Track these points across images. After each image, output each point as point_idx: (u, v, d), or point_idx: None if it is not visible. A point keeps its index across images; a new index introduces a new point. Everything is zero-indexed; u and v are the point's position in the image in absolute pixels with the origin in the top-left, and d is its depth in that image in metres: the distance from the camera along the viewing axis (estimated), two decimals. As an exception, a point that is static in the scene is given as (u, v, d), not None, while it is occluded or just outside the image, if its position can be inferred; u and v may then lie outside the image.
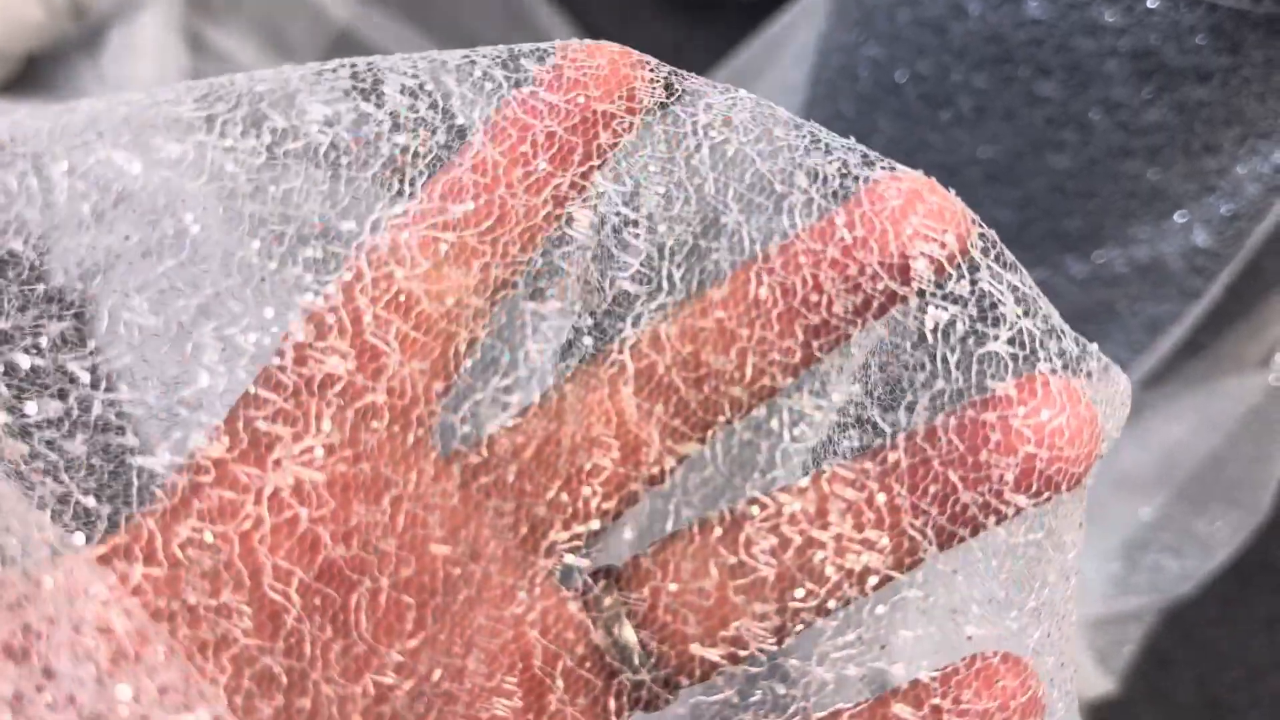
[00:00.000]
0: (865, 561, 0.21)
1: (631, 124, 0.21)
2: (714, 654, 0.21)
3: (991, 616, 0.22)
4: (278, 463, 0.20)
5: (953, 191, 0.20)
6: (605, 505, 0.22)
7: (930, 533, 0.21)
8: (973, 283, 0.20)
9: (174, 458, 0.20)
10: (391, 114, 0.21)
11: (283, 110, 0.20)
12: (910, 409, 0.21)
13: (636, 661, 0.22)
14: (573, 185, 0.21)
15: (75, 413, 0.20)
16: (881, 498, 0.21)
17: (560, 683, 0.22)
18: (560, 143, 0.20)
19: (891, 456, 0.21)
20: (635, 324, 0.22)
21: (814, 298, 0.21)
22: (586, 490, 0.22)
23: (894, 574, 0.21)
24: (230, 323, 0.20)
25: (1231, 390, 0.46)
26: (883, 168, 0.20)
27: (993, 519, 0.20)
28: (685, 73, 0.21)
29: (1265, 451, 0.48)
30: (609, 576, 0.22)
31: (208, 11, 0.62)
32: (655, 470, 0.22)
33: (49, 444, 0.20)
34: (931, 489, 0.20)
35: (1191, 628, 0.59)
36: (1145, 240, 0.37)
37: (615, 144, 0.21)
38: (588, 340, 0.22)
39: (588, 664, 0.22)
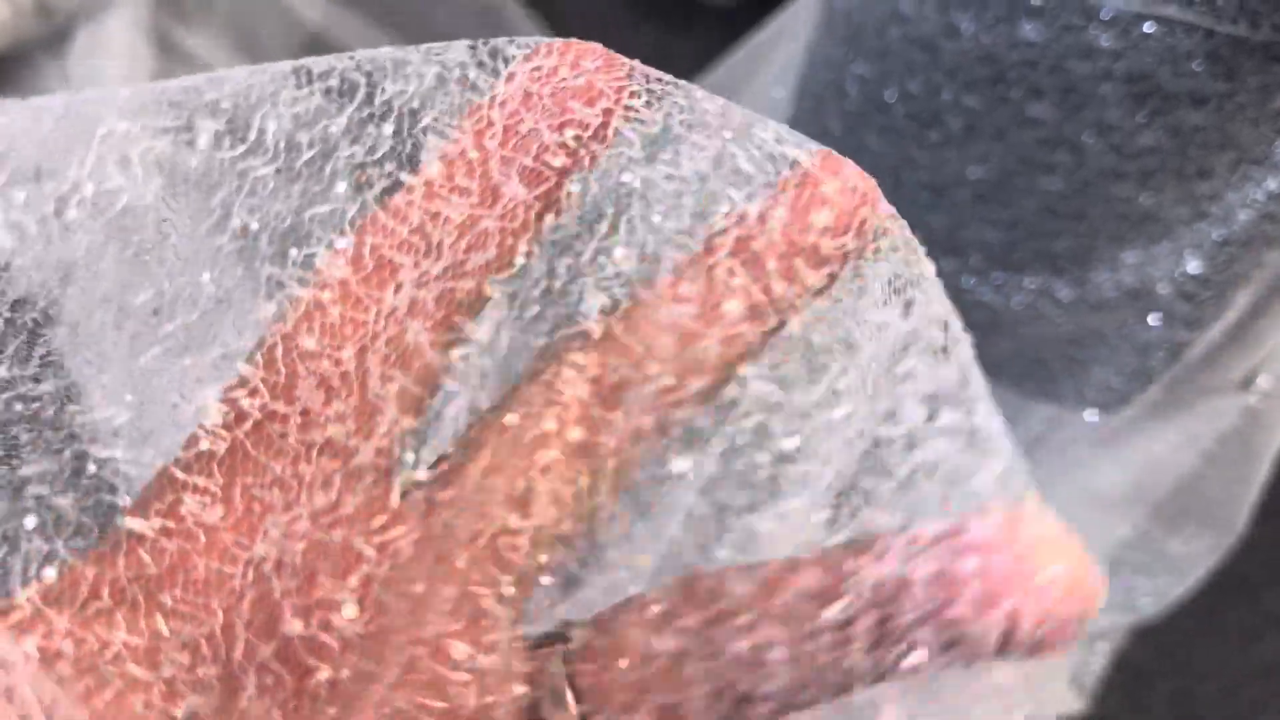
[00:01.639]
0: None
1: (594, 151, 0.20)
2: None
3: None
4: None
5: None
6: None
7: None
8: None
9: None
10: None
11: (316, 173, 0.20)
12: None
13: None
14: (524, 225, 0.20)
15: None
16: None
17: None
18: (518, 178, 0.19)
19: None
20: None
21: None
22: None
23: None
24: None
25: (1210, 410, 0.46)
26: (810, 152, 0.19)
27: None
28: (665, 82, 0.20)
29: (1242, 473, 0.48)
30: (560, 639, 0.21)
31: (177, 12, 0.61)
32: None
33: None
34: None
35: (1167, 641, 0.59)
36: (1135, 265, 0.37)
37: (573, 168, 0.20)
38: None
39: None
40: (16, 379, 0.19)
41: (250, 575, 0.19)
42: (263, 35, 0.64)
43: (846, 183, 0.19)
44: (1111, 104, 0.33)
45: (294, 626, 0.19)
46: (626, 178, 0.20)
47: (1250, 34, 0.30)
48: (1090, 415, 0.43)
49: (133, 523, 0.19)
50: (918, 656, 0.18)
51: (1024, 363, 0.43)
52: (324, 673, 0.19)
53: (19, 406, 0.19)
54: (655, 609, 0.19)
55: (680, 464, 0.20)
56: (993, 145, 0.37)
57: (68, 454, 0.19)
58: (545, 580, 0.20)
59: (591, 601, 0.20)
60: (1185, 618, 0.54)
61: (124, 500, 0.19)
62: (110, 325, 0.19)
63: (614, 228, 0.20)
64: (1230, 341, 0.40)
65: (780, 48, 0.47)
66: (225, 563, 0.19)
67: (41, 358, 0.19)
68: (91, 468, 0.19)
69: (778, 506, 0.20)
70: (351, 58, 0.20)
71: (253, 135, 0.19)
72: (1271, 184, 0.34)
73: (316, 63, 0.20)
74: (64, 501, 0.19)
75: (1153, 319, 0.38)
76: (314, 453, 0.19)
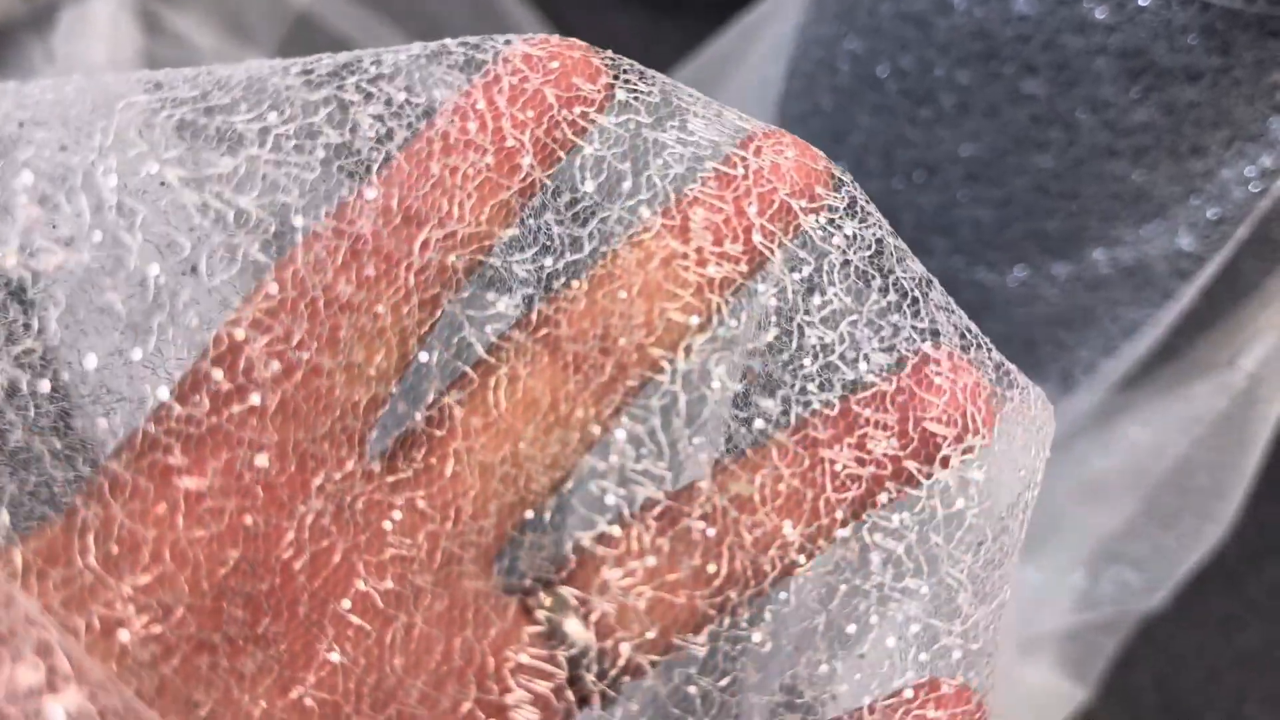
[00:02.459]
0: (765, 533, 0.21)
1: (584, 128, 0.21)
2: (624, 644, 0.21)
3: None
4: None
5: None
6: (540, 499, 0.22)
7: (819, 500, 0.21)
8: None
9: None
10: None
11: (336, 125, 0.20)
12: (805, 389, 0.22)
13: (583, 661, 0.21)
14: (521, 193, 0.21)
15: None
16: (768, 475, 0.21)
17: (514, 694, 0.21)
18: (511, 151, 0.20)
19: (776, 435, 0.21)
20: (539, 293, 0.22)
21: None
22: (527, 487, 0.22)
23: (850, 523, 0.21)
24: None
25: (1200, 395, 0.46)
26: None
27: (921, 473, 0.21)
28: (643, 76, 0.21)
29: (1232, 460, 0.48)
30: (506, 571, 0.22)
31: (165, -9, 0.60)
32: (557, 451, 0.21)
33: None
34: (809, 459, 0.21)
35: (1150, 628, 0.59)
36: (1129, 242, 0.37)
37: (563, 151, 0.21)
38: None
39: (532, 666, 0.21)
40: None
41: (307, 532, 0.20)
42: (251, 16, 0.63)
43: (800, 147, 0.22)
44: (1105, 80, 0.33)
45: (371, 581, 0.20)
46: (640, 140, 0.21)
47: (1246, 6, 0.30)
48: (1080, 374, 0.43)
49: (187, 481, 0.19)
50: None
51: (1012, 345, 0.43)
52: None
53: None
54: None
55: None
56: (985, 122, 0.36)
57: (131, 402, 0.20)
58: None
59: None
60: (1169, 605, 0.54)
61: (177, 459, 0.19)
62: (148, 284, 0.20)
63: (636, 187, 0.21)
64: (1216, 320, 0.40)
65: (771, 26, 0.46)
66: (284, 516, 0.20)
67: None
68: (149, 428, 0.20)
69: None
70: (349, 53, 0.21)
71: (268, 99, 0.20)
72: (1266, 160, 0.34)
73: (318, 57, 0.21)
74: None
75: (1146, 296, 0.38)
76: (360, 409, 0.20)
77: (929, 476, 0.21)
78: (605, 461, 0.22)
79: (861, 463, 0.21)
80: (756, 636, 0.22)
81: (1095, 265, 0.38)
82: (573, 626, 0.21)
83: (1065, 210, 0.37)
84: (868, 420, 0.21)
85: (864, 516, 0.22)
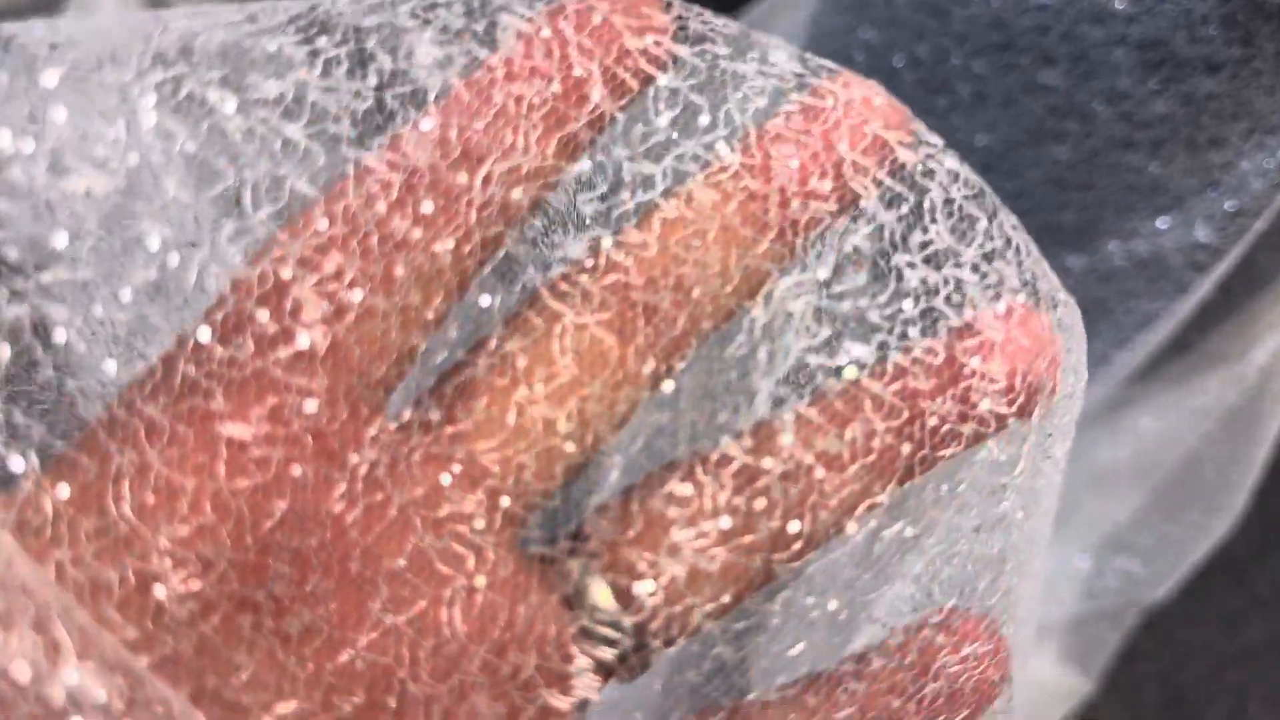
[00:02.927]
0: (853, 492, 0.20)
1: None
2: (695, 609, 0.20)
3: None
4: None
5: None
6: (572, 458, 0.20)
7: (915, 457, 0.20)
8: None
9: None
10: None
11: (390, 50, 0.19)
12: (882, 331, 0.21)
13: (650, 626, 0.20)
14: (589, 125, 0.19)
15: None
16: (859, 428, 0.20)
17: (577, 661, 0.20)
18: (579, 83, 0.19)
19: (870, 386, 0.20)
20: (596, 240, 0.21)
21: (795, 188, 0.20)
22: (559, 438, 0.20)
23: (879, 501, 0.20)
24: None
25: (1210, 387, 0.46)
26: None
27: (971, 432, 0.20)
28: (714, 13, 0.20)
29: (1241, 453, 0.48)
30: (572, 534, 0.21)
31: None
32: (624, 408, 0.20)
33: None
34: (909, 411, 0.20)
35: (1153, 622, 0.59)
36: (1145, 235, 0.36)
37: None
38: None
39: (597, 633, 0.20)
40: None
41: (360, 484, 0.19)
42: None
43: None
44: (1124, 71, 0.33)
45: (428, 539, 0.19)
46: (718, 71, 0.20)
47: (1268, -3, 0.30)
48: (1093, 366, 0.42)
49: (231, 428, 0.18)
50: None
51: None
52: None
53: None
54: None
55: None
56: (1001, 113, 0.36)
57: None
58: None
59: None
60: (1172, 599, 0.54)
61: (219, 404, 0.18)
62: (186, 204, 0.19)
63: (714, 122, 0.20)
64: (1230, 313, 0.40)
65: (783, 17, 0.46)
66: (335, 467, 0.19)
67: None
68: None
69: None
70: None
71: (318, 22, 0.19)
72: (1284, 152, 0.34)
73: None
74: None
75: (1161, 289, 0.37)
76: (416, 354, 0.19)
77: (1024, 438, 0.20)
78: (676, 417, 0.21)
79: (964, 418, 0.20)
80: (831, 604, 0.21)
81: (1110, 257, 0.37)
82: (642, 589, 0.20)
83: (1081, 202, 0.37)
84: (974, 372, 0.20)
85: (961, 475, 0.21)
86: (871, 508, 0.20)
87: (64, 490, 0.17)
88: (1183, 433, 0.48)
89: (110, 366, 0.18)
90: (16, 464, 0.17)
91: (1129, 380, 0.44)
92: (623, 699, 0.21)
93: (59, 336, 0.18)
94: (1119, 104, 0.34)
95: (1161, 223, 0.36)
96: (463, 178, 0.19)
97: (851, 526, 0.20)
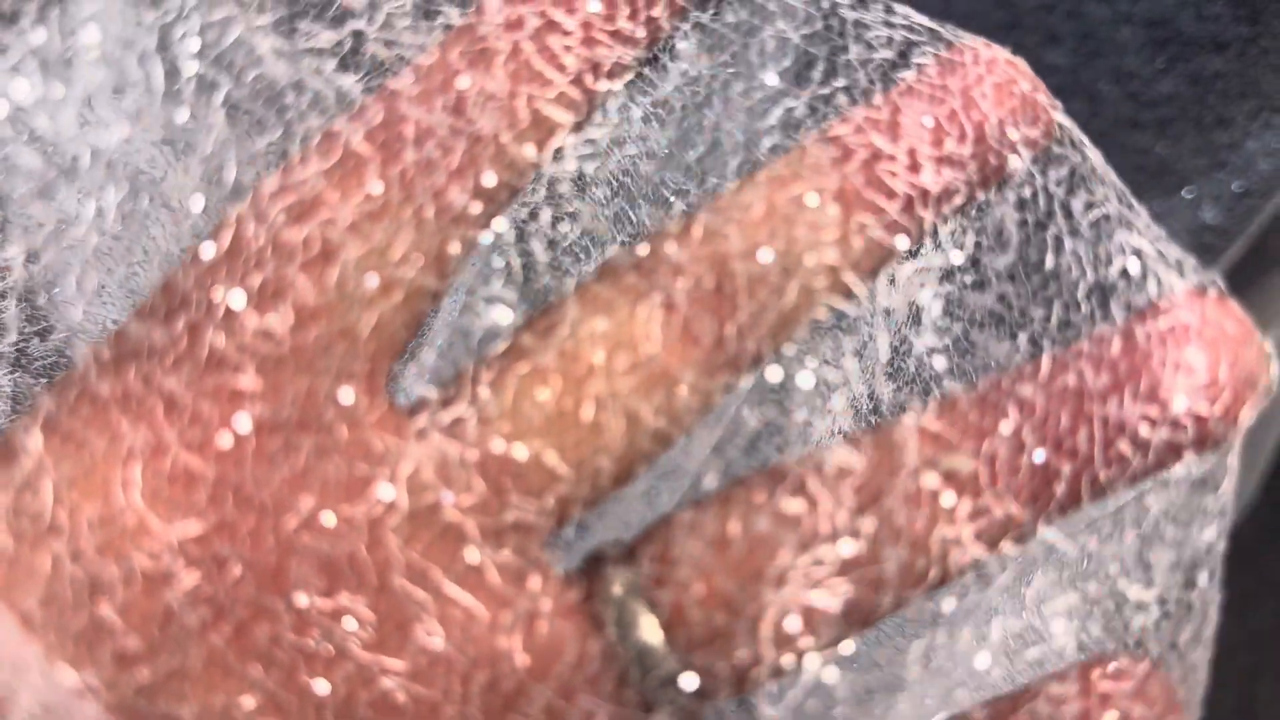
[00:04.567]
0: (990, 523, 0.16)
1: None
2: (767, 650, 0.16)
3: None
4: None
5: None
6: (613, 470, 0.17)
7: (1081, 480, 0.16)
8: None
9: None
10: None
11: (460, 4, 0.17)
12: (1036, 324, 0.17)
13: (661, 666, 0.17)
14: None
15: None
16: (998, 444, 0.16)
17: (606, 712, 0.16)
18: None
19: (1017, 389, 0.16)
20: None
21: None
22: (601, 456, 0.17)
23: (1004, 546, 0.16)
24: None
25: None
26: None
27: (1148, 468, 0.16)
28: None
29: (1250, 438, 0.47)
30: (616, 556, 0.17)
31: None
32: (670, 426, 0.17)
33: None
34: (1070, 418, 0.16)
35: (1163, 607, 0.59)
36: (1151, 216, 0.36)
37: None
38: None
39: (590, 672, 0.17)
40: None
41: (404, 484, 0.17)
42: None
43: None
44: (1130, 50, 0.33)
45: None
46: (835, 19, 0.17)
47: (1276, -26, 0.30)
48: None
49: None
50: None
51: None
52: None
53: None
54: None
55: None
56: (1006, 94, 0.36)
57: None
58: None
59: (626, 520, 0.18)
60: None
61: (250, 382, 0.16)
62: (226, 171, 0.17)
63: (831, 71, 0.17)
64: (1240, 295, 0.40)
65: None
66: (374, 462, 0.17)
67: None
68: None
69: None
70: None
71: None
72: (1293, 132, 0.33)
73: None
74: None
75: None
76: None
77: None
78: (784, 414, 0.18)
79: (1154, 423, 0.16)
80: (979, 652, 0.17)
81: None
82: (744, 631, 0.16)
83: (1086, 183, 0.36)
84: (1164, 361, 0.16)
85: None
86: (1021, 539, 0.16)
87: (66, 469, 0.16)
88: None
89: (133, 330, 0.16)
90: (21, 437, 0.16)
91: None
92: None
93: (76, 300, 0.17)
94: (1125, 84, 0.34)
95: (1168, 204, 0.36)
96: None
97: (993, 568, 0.17)
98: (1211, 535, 0.17)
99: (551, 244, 0.19)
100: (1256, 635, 0.64)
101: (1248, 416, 0.16)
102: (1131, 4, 0.32)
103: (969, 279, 0.18)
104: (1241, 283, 0.40)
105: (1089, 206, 0.17)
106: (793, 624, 0.16)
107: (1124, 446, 0.16)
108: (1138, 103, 0.34)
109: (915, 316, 0.18)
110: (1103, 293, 0.17)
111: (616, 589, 0.17)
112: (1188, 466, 0.17)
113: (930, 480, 0.16)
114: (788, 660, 0.16)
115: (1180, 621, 0.18)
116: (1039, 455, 0.16)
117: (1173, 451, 0.16)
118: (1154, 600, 0.17)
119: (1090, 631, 0.18)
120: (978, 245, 0.17)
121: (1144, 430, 0.16)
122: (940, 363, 0.18)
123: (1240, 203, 0.35)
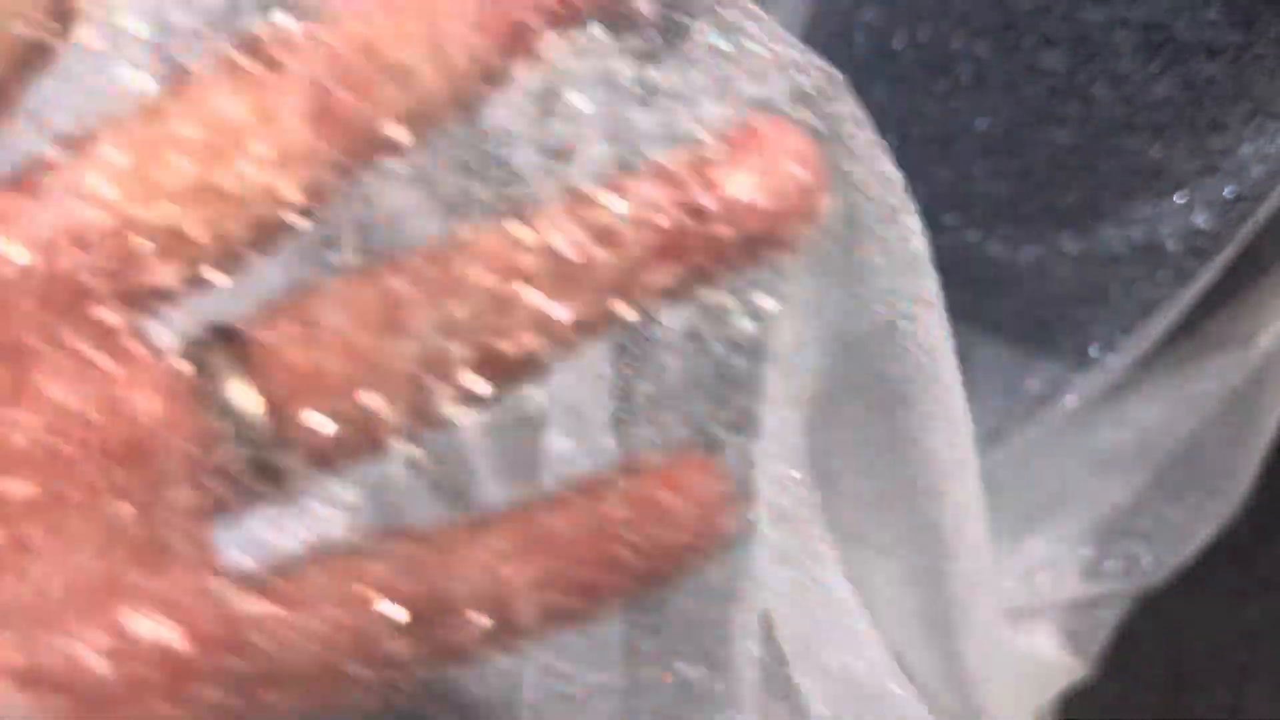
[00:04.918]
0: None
1: None
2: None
3: None
4: None
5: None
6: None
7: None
8: None
9: None
10: None
11: None
12: None
13: (253, 433, 0.17)
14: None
15: None
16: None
17: (168, 467, 0.17)
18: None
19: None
20: None
21: None
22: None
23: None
24: None
25: (1212, 371, 0.46)
26: None
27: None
28: None
29: (1243, 436, 0.47)
30: (219, 334, 0.18)
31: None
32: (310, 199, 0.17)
33: None
34: None
35: (1156, 602, 0.59)
36: (1143, 220, 0.36)
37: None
38: None
39: (192, 441, 0.17)
40: None
41: None
42: None
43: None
44: (1124, 54, 0.33)
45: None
46: None
47: (1270, -19, 0.30)
48: (1094, 351, 0.42)
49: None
50: None
51: (1027, 320, 0.42)
52: None
53: None
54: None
55: None
56: (1002, 96, 0.36)
57: None
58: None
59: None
60: (1175, 580, 0.54)
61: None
62: None
63: None
64: (1233, 298, 0.40)
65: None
66: None
67: None
68: None
69: None
70: None
71: None
72: (1286, 137, 0.33)
73: None
74: None
75: (1160, 274, 0.37)
76: None
77: None
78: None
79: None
80: None
81: (1108, 242, 0.37)
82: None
83: (1081, 186, 0.37)
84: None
85: None
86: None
87: None
88: (1185, 416, 0.48)
89: None
90: None
91: (1131, 365, 0.44)
92: None
93: None
94: (1120, 87, 0.34)
95: (1161, 208, 0.36)
96: None
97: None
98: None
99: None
100: (1248, 631, 0.64)
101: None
102: (1127, 9, 0.32)
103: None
104: (1234, 287, 0.41)
105: None
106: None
107: None
108: (1132, 106, 0.34)
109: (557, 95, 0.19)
110: None
111: (224, 358, 0.17)
112: None
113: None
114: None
115: None
116: None
117: None
118: None
119: None
120: None
121: None
122: None
123: (1232, 208, 0.35)
